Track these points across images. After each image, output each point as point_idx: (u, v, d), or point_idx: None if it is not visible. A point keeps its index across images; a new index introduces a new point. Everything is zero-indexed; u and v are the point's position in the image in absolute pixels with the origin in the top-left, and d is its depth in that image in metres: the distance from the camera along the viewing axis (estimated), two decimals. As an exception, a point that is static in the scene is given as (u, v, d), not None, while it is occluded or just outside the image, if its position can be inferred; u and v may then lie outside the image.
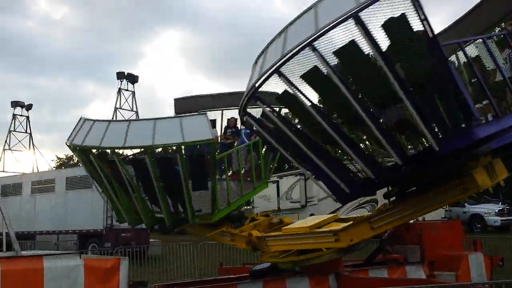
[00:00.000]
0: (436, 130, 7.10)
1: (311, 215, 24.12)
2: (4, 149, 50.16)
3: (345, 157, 8.53)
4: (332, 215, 10.78)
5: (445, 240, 10.73)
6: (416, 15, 5.99)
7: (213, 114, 12.55)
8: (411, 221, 12.35)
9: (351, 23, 6.17)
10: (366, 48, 6.35)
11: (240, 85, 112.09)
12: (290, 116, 9.47)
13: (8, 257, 6.77)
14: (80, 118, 10.37)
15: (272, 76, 7.16)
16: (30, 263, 6.57)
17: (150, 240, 22.69)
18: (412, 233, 10.85)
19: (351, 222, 9.00)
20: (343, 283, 9.33)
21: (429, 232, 10.77)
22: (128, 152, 11.18)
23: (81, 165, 10.83)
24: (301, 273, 9.51)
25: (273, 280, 9.11)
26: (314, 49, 6.51)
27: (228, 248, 15.47)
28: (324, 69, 6.81)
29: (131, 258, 8.22)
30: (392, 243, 11.00)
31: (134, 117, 36.94)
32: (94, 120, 9.98)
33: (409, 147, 8.72)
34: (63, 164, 75.19)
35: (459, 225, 11.89)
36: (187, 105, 12.66)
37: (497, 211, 27.30)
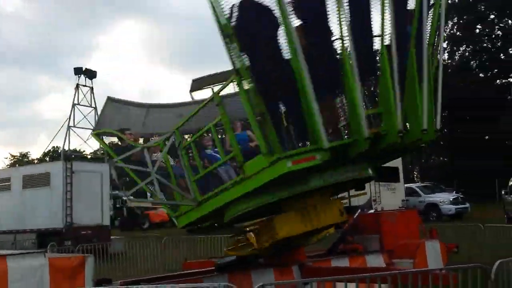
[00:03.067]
0: None
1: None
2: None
3: None
4: None
5: (402, 229, 11.14)
6: None
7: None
8: (371, 211, 12.74)
9: None
10: None
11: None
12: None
13: (-29, 258, 6.66)
14: None
15: None
16: (-7, 264, 6.49)
17: (112, 237, 22.45)
18: (371, 223, 11.22)
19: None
20: (306, 273, 9.56)
21: (387, 222, 11.16)
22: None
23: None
24: (265, 265, 9.68)
25: (239, 273, 9.22)
26: None
27: (192, 243, 15.51)
28: None
29: (93, 255, 8.18)
30: (353, 233, 11.33)
31: (93, 114, 36.18)
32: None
33: None
34: (17, 161, 73.24)
35: (416, 214, 12.36)
36: (199, 84, 12.12)
37: (451, 199, 28.22)
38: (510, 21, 46.23)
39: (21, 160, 74.11)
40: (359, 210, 11.98)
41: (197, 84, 11.77)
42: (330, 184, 7.21)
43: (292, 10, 6.39)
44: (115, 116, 9.60)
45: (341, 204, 8.39)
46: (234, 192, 7.40)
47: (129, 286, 6.06)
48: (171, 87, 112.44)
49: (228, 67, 7.19)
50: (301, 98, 6.48)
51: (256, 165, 6.94)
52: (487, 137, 42.57)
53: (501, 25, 46.25)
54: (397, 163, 25.80)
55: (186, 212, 8.33)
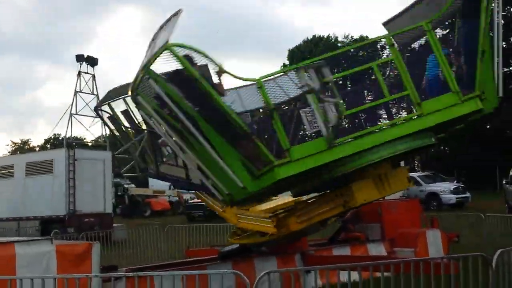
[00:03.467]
0: None
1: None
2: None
3: None
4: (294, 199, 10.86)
5: (404, 218, 11.23)
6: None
7: None
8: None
9: None
10: None
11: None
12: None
13: (-21, 244, 6.76)
14: None
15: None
16: (2, 250, 6.59)
17: (114, 224, 22.58)
18: (373, 212, 11.31)
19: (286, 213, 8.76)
20: (308, 261, 9.68)
21: (389, 211, 11.26)
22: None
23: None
24: (268, 253, 9.80)
25: (242, 261, 9.34)
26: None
27: (194, 231, 15.62)
28: None
29: (99, 242, 8.28)
30: (354, 222, 11.44)
31: (95, 101, 36.24)
32: None
33: None
34: (19, 148, 73.41)
35: (417, 204, 12.46)
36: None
37: (452, 189, 28.29)
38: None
39: (22, 147, 74.29)
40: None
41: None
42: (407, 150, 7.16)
43: None
44: None
45: (408, 171, 8.40)
46: (392, 133, 7.01)
47: (138, 273, 6.14)
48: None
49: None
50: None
51: (440, 102, 6.95)
52: (488, 126, 42.62)
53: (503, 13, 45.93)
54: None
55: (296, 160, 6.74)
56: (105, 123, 9.73)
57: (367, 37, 57.53)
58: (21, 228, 22.89)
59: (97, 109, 9.41)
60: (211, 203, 10.39)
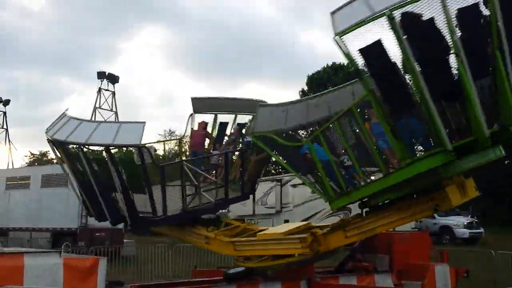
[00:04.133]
0: None
1: (286, 221, 24.47)
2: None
3: None
4: (304, 222, 11.08)
5: (413, 250, 11.12)
6: None
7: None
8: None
9: None
10: None
11: (221, 85, 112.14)
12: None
13: (-11, 253, 6.89)
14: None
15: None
16: (11, 260, 6.71)
17: (124, 240, 22.70)
18: (382, 242, 11.24)
19: (327, 229, 9.35)
20: (314, 289, 9.66)
21: (398, 242, 11.16)
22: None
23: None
24: (274, 278, 9.79)
25: (247, 284, 9.36)
26: None
27: (202, 251, 15.64)
28: None
29: (106, 258, 8.37)
30: (362, 251, 11.36)
31: (113, 118, 36.79)
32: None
33: None
34: (37, 160, 74.20)
35: (427, 237, 12.34)
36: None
37: (466, 223, 27.97)
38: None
39: (41, 159, 75.10)
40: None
41: (200, 105, 12.25)
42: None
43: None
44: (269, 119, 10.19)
45: (473, 181, 9.02)
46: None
47: (139, 290, 6.21)
48: (188, 93, 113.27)
49: (234, 90, 8.00)
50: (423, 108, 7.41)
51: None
52: (507, 161, 42.17)
53: None
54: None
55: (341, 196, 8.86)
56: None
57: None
58: (33, 238, 23.14)
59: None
60: (195, 239, 10.66)
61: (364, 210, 9.52)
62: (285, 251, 9.38)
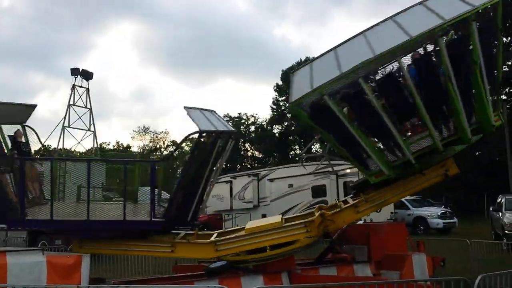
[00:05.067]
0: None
1: (263, 215, 24.65)
2: None
3: None
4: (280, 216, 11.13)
5: (390, 241, 11.35)
6: None
7: None
8: (360, 222, 12.98)
9: None
10: None
11: (194, 82, 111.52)
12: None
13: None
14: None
15: None
16: (-7, 259, 6.66)
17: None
18: (360, 233, 11.45)
19: (337, 209, 10.40)
20: (294, 280, 9.79)
21: (376, 233, 11.38)
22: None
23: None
24: (255, 271, 9.90)
25: (229, 278, 9.44)
26: None
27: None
28: None
29: (89, 255, 8.33)
30: (341, 243, 11.57)
31: (87, 115, 36.34)
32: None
33: None
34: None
35: (404, 227, 12.57)
36: None
37: (439, 214, 28.49)
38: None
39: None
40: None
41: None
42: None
43: None
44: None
45: None
46: None
47: (127, 285, 6.25)
48: (162, 90, 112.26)
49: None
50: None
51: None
52: (477, 153, 43.12)
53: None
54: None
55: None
56: None
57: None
58: (8, 238, 22.75)
59: None
60: (157, 252, 10.11)
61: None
62: (288, 238, 9.77)
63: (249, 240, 9.84)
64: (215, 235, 10.39)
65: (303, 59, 59.97)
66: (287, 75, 58.32)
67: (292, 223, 10.16)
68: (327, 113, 9.06)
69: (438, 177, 10.50)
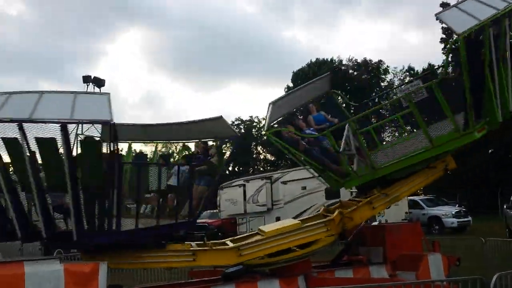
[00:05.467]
0: None
1: (277, 218, 24.66)
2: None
3: None
4: (296, 220, 11.13)
5: (406, 241, 11.30)
6: None
7: None
8: (375, 223, 12.94)
9: None
10: None
11: (205, 87, 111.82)
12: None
13: (-11, 262, 6.89)
14: None
15: None
16: (11, 269, 6.73)
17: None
18: (375, 235, 11.42)
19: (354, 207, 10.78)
20: (311, 283, 9.78)
21: (391, 234, 11.34)
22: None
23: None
24: (271, 274, 9.90)
25: (245, 282, 9.44)
26: None
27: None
28: None
29: (106, 262, 8.35)
30: (356, 244, 11.54)
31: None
32: None
33: None
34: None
35: (419, 227, 12.50)
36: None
37: (454, 213, 28.34)
38: None
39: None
40: (363, 222, 12.17)
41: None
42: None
43: None
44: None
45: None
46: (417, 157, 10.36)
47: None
48: (172, 95, 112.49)
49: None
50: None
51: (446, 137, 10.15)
52: (490, 151, 42.71)
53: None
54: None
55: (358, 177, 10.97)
56: None
57: (370, 60, 58.25)
58: (24, 246, 22.89)
59: None
60: (178, 261, 9.54)
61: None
62: (310, 238, 10.09)
63: (272, 243, 9.81)
64: (230, 242, 10.11)
65: (313, 60, 60.05)
66: (297, 76, 58.42)
67: (312, 223, 10.41)
68: (478, 50, 9.69)
69: (440, 172, 11.12)
